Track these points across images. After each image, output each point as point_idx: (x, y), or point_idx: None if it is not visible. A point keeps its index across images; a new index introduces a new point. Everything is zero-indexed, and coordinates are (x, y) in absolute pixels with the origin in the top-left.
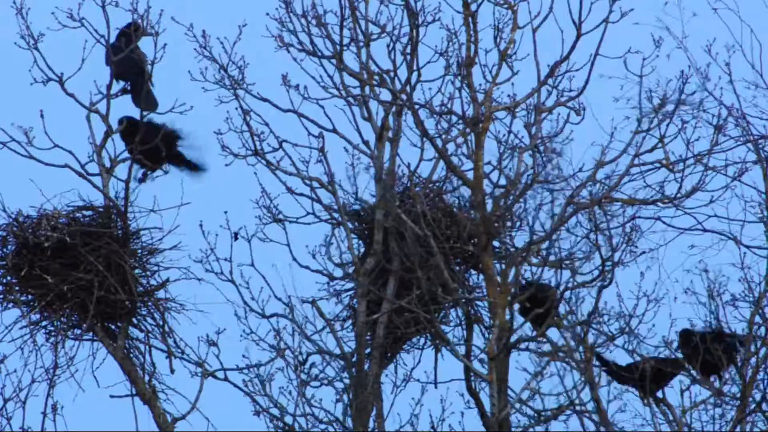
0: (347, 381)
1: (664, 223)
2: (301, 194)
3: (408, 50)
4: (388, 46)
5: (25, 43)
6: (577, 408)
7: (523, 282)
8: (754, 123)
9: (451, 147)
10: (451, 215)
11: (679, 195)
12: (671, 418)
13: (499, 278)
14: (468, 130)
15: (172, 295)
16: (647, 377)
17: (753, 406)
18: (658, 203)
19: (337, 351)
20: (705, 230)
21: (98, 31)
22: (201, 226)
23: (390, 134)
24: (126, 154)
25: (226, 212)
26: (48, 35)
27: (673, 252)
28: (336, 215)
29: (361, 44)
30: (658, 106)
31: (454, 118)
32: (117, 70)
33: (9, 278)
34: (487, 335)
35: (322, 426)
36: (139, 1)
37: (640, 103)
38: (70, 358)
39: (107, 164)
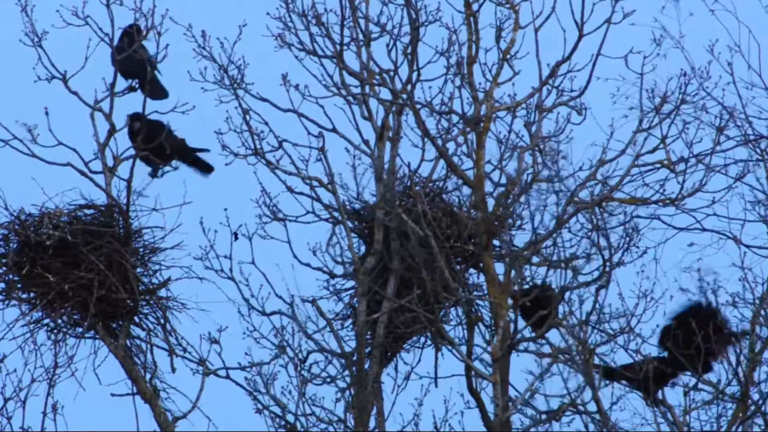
0: (348, 380)
1: (662, 222)
2: (301, 193)
3: (408, 50)
4: (388, 45)
5: (29, 41)
6: (579, 408)
7: (528, 284)
8: (754, 122)
9: (451, 146)
10: (451, 215)
11: (680, 196)
12: (671, 418)
13: (501, 278)
14: (469, 129)
15: (174, 294)
16: (650, 378)
17: (753, 408)
18: (659, 203)
19: (338, 350)
20: (704, 229)
21: (102, 30)
22: (201, 222)
23: (390, 134)
24: (131, 152)
25: (226, 209)
26: (52, 33)
27: (673, 250)
28: (336, 214)
29: (362, 44)
30: (658, 106)
31: (455, 118)
32: (123, 69)
33: (11, 276)
34: (487, 335)
35: (323, 425)
36: (143, 0)
37: (641, 102)
38: (69, 357)
39: (110, 163)
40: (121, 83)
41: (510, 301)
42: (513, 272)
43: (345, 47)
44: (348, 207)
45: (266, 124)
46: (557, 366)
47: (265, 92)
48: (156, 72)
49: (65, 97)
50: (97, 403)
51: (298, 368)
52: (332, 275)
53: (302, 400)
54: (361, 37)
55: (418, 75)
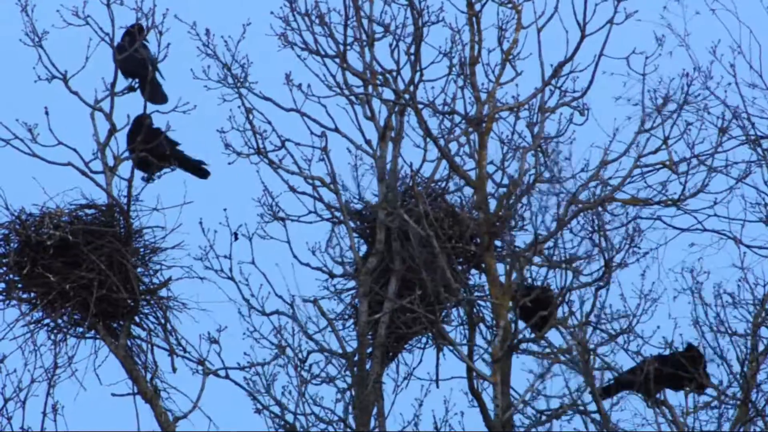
0: (349, 380)
1: (663, 222)
2: (303, 193)
3: (411, 50)
4: (391, 45)
5: (30, 41)
6: (580, 408)
7: (529, 284)
8: (756, 123)
9: (453, 147)
10: (453, 215)
11: (682, 196)
12: (671, 418)
13: (503, 279)
14: (471, 130)
15: (174, 294)
16: (650, 379)
17: (753, 411)
18: (661, 204)
19: (338, 350)
20: (705, 230)
21: (103, 29)
22: (201, 223)
23: (393, 134)
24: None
25: (225, 209)
26: (52, 33)
27: (674, 251)
28: (338, 214)
29: (365, 43)
30: (660, 106)
31: (457, 118)
32: (123, 68)
33: (11, 276)
34: (488, 335)
35: (323, 425)
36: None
37: (642, 102)
38: (69, 358)
39: (111, 162)
40: (122, 83)
41: (511, 302)
42: (514, 273)
43: (348, 47)
44: (350, 207)
45: (269, 123)
46: (558, 366)
47: (268, 91)
48: (157, 74)
49: (65, 97)
50: (98, 403)
51: (298, 368)
52: (332, 275)
53: (302, 400)
54: (364, 37)
55: (421, 75)
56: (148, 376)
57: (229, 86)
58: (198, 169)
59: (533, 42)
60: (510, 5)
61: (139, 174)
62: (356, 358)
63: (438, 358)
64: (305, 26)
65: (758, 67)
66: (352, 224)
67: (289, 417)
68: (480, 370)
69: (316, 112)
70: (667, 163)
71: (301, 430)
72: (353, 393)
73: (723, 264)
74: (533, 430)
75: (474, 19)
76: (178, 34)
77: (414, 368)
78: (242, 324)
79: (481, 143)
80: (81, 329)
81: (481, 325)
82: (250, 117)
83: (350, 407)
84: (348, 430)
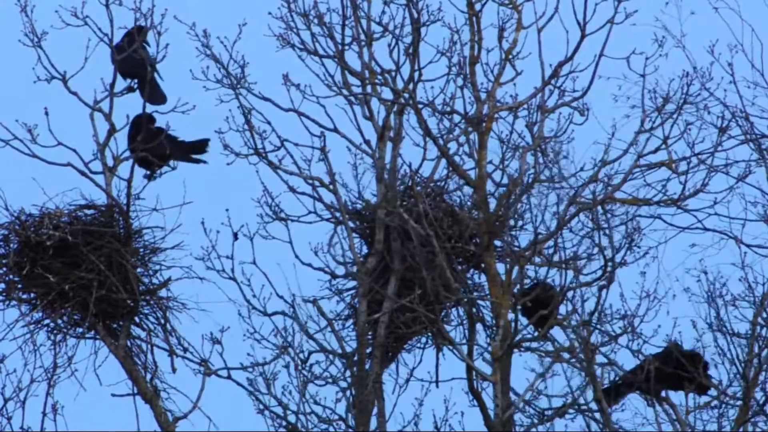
0: (349, 380)
1: (664, 221)
2: (303, 193)
3: (410, 49)
4: (389, 45)
5: (29, 41)
6: (581, 407)
7: (529, 282)
8: (756, 122)
9: (453, 146)
10: (453, 215)
11: (682, 196)
12: (674, 417)
13: (503, 277)
14: (470, 129)
15: (174, 294)
16: (651, 378)
17: (754, 408)
18: (661, 203)
19: (339, 350)
20: (706, 229)
21: (102, 30)
22: (203, 223)
23: (392, 133)
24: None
25: (227, 210)
26: (51, 33)
27: (674, 250)
28: (338, 214)
29: (363, 43)
30: (660, 106)
31: (457, 118)
32: (122, 68)
33: (11, 277)
34: (487, 335)
35: (324, 425)
36: (142, 0)
37: (642, 102)
38: (69, 358)
39: (110, 163)
40: (121, 83)
41: (512, 301)
42: (514, 272)
43: (347, 47)
44: (349, 207)
45: (268, 123)
46: (559, 365)
47: (266, 92)
48: (156, 74)
49: (65, 97)
50: (98, 403)
51: (299, 368)
52: (333, 276)
53: (303, 400)
54: (362, 36)
55: (420, 75)
56: (148, 376)
57: (227, 86)
58: (199, 148)
59: (533, 42)
60: (510, 5)
61: (139, 173)
62: (356, 358)
63: (438, 358)
64: (304, 26)
65: (759, 66)
66: (351, 224)
67: (291, 417)
68: (480, 370)
69: (315, 112)
70: (667, 162)
71: (302, 430)
72: (353, 393)
73: (723, 264)
74: (533, 430)
75: (474, 18)
76: (177, 34)
77: (414, 368)
78: (242, 324)
79: (480, 143)
80: (81, 329)
81: (481, 325)
82: (249, 117)
83: (350, 407)
84: (348, 430)
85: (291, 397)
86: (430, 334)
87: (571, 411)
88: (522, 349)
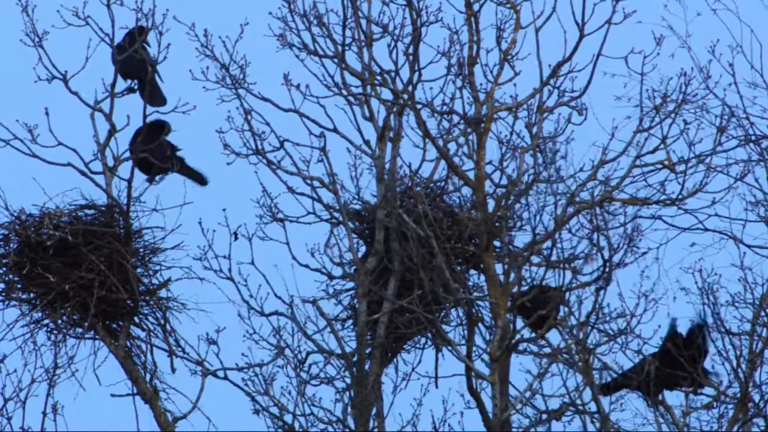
0: (348, 380)
1: (664, 222)
2: (302, 194)
3: (410, 50)
4: (389, 45)
5: (30, 41)
6: (579, 408)
7: (527, 285)
8: (756, 122)
9: (452, 147)
10: (452, 215)
11: (681, 196)
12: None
13: (501, 278)
14: (470, 130)
15: (174, 295)
16: (651, 379)
17: (753, 409)
18: (660, 203)
19: (338, 351)
20: (706, 229)
21: (103, 30)
22: (200, 223)
23: (391, 134)
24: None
25: (224, 210)
26: (53, 33)
27: (674, 250)
28: (337, 215)
29: (363, 44)
30: (659, 105)
31: (456, 118)
32: (122, 69)
33: (11, 277)
34: (487, 335)
35: (322, 425)
36: (143, 0)
37: (641, 101)
38: (69, 358)
39: (110, 163)
40: (121, 84)
41: (510, 302)
42: (513, 273)
43: (346, 47)
44: (349, 207)
45: (268, 124)
46: (557, 366)
47: (266, 92)
48: (156, 75)
49: (65, 98)
50: (97, 403)
51: (297, 369)
52: (331, 277)
53: (301, 400)
54: (362, 37)
55: (419, 75)
56: (148, 376)
57: (227, 87)
58: (197, 178)
59: (532, 42)
60: (508, 5)
61: (140, 175)
62: (355, 359)
63: (437, 358)
64: (304, 27)
65: (759, 67)
66: (351, 225)
67: (288, 417)
68: (479, 370)
69: (315, 112)
70: (666, 162)
71: (300, 430)
72: (352, 393)
73: (723, 264)
74: (532, 430)
75: (473, 19)
76: (177, 35)
77: (413, 368)
78: (241, 325)
79: (479, 143)
80: (81, 330)
81: (480, 325)
82: (249, 118)
83: (349, 407)
84: (347, 430)
85: (290, 397)
86: (429, 334)
87: (568, 413)
88: (519, 350)
